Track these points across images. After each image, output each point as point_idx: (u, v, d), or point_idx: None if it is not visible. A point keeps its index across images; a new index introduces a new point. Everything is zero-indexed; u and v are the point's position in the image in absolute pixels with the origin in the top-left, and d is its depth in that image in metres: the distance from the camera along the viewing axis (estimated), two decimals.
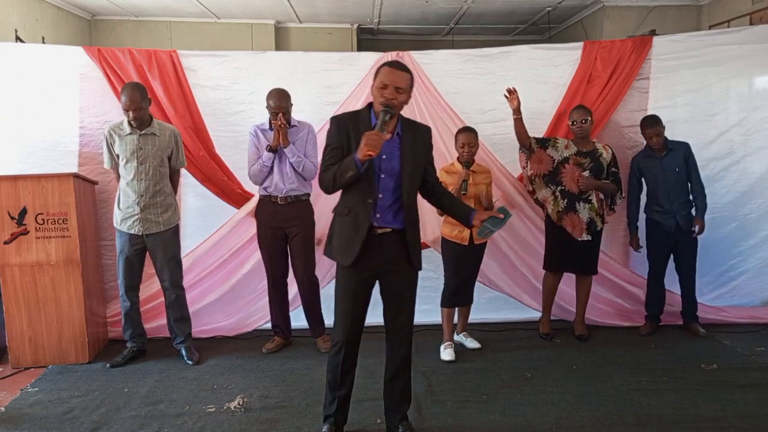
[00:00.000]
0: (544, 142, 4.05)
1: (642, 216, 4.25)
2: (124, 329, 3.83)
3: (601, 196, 4.02)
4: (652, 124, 4.03)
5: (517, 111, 3.87)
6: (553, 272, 4.14)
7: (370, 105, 2.65)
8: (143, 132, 3.58)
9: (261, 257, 3.99)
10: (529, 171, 4.09)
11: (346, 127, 2.58)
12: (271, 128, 3.75)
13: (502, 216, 2.62)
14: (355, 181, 2.51)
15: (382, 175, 2.57)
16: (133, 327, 3.80)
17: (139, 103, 3.50)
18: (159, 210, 3.63)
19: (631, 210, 4.23)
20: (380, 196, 2.58)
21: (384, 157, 2.54)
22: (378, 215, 2.58)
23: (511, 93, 3.85)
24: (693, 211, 4.13)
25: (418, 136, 2.67)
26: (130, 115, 3.51)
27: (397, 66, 2.56)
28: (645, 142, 4.15)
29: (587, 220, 3.96)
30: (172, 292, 3.75)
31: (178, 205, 3.81)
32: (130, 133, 3.58)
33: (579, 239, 3.96)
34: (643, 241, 4.26)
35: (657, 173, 4.08)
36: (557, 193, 4.02)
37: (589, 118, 3.94)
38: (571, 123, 3.98)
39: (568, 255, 4.02)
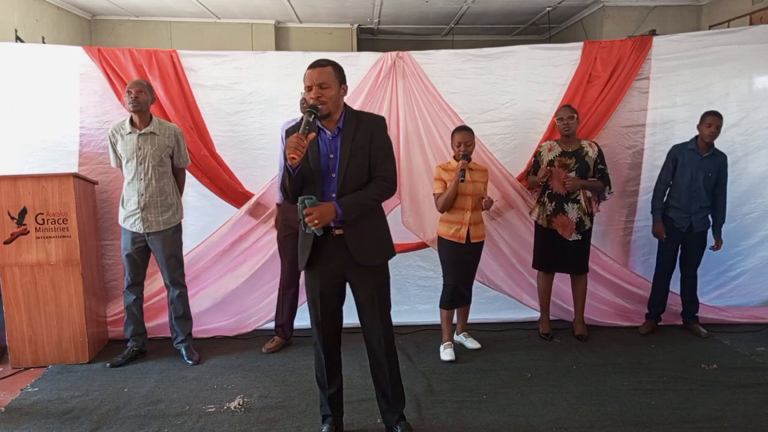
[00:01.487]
0: (535, 169, 4.08)
1: None
2: (125, 326, 3.83)
3: (589, 194, 4.02)
4: (716, 113, 3.96)
5: (543, 180, 3.99)
6: (543, 273, 4.14)
7: None
8: (142, 132, 3.59)
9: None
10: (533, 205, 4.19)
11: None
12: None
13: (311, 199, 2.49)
14: (302, 185, 2.49)
15: (333, 175, 2.53)
16: (135, 324, 3.80)
17: (144, 87, 3.59)
18: (160, 210, 3.63)
19: (656, 197, 4.16)
20: (333, 195, 2.52)
21: (332, 156, 2.52)
22: None
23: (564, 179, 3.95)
24: (709, 217, 4.11)
25: (359, 129, 2.55)
26: (132, 94, 3.53)
27: (316, 64, 2.50)
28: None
29: (576, 219, 3.97)
30: (173, 289, 3.77)
31: (181, 205, 3.80)
32: (130, 133, 3.59)
33: (569, 239, 3.97)
34: (651, 242, 4.26)
35: (692, 170, 4.02)
36: (544, 199, 4.03)
37: (576, 116, 3.96)
38: (557, 119, 3.99)
39: (559, 256, 4.02)
